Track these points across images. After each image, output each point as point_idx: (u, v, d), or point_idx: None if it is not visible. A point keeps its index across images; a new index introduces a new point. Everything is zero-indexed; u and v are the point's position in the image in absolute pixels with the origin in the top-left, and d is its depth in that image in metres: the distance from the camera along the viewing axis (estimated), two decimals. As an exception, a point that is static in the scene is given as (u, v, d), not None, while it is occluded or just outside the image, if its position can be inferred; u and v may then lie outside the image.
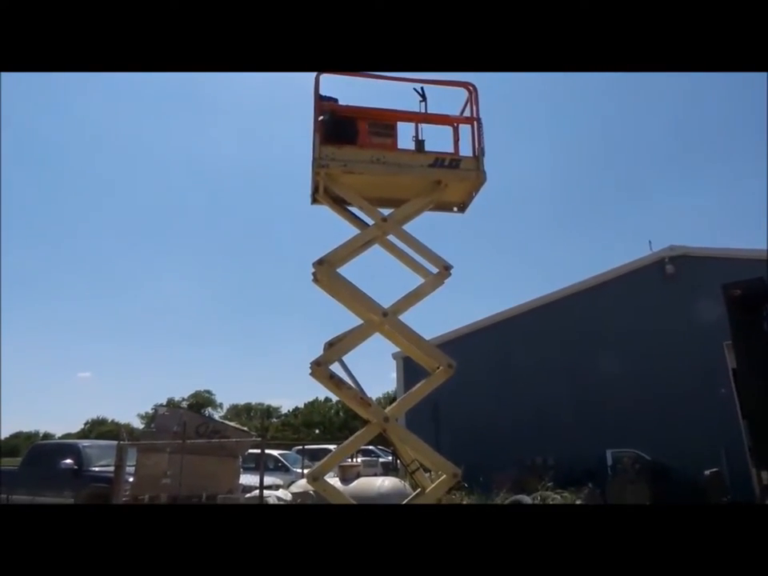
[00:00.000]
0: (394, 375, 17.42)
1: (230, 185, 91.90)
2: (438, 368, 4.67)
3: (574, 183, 79.46)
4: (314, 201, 5.22)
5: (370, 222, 4.99)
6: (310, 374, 4.54)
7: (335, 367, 4.65)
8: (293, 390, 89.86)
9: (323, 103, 4.96)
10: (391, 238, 5.07)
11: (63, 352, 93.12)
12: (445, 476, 4.57)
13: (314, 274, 4.74)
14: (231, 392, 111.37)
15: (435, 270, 4.87)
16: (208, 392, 59.99)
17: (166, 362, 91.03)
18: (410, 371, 15.25)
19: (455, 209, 5.51)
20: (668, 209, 65.13)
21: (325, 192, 5.04)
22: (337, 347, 4.67)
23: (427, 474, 5.38)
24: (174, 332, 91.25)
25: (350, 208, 5.24)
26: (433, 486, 4.64)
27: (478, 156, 5.08)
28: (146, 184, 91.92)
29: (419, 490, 4.75)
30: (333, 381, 4.57)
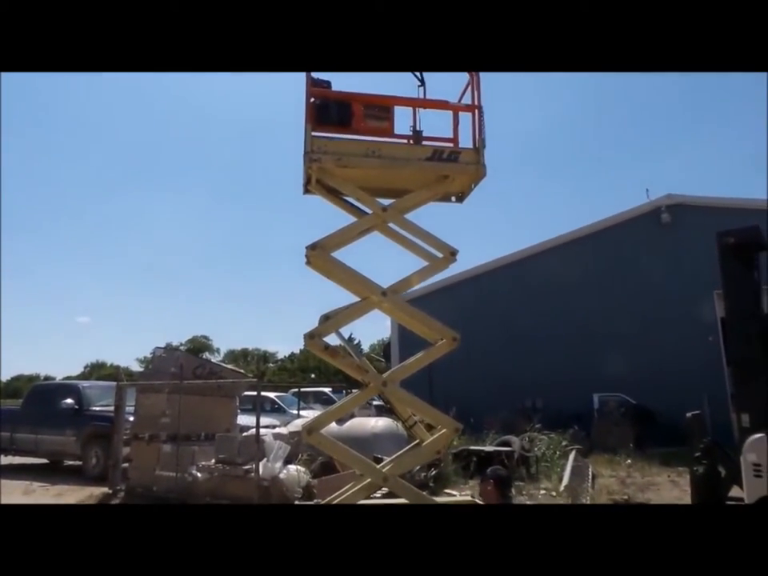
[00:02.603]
0: (388, 323, 17.65)
1: (228, 127, 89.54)
2: (441, 340, 4.70)
3: (571, 131, 77.83)
4: (306, 191, 4.99)
5: (369, 211, 4.83)
6: (305, 346, 4.57)
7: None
8: (289, 336, 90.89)
9: (315, 88, 4.68)
10: (392, 224, 4.89)
11: (61, 296, 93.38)
12: (445, 430, 4.70)
13: (306, 257, 4.64)
14: (228, 337, 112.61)
15: (440, 255, 4.78)
16: (205, 337, 60.68)
17: (164, 308, 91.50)
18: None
19: (453, 198, 5.30)
20: (667, 158, 64.21)
21: (317, 183, 4.82)
22: (332, 321, 4.65)
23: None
24: (171, 278, 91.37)
25: (345, 197, 4.99)
26: (432, 438, 4.76)
27: (479, 148, 4.82)
28: (142, 125, 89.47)
29: (417, 441, 4.87)
30: (328, 352, 4.61)
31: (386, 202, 4.86)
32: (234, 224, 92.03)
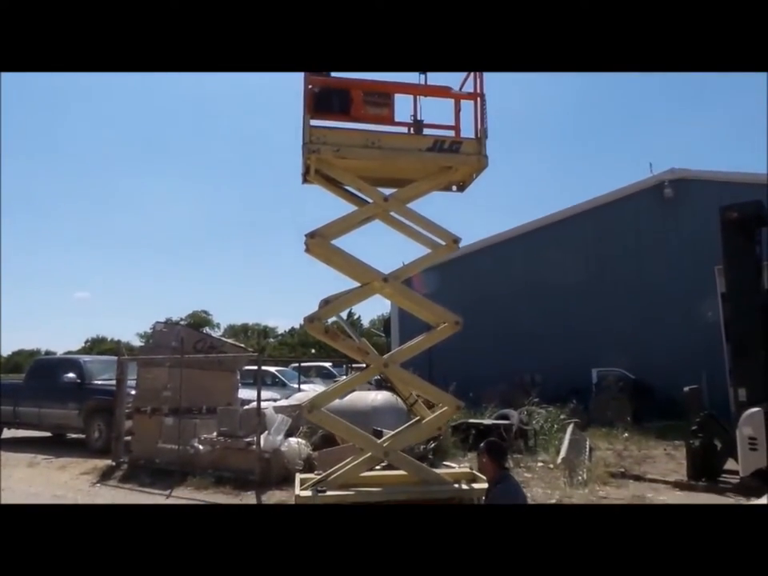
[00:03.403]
0: (389, 297, 17.63)
1: (231, 101, 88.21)
2: (444, 323, 4.68)
3: (574, 106, 76.67)
4: (305, 181, 4.91)
5: (369, 200, 4.76)
6: (305, 329, 4.59)
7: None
8: (289, 311, 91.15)
9: (313, 76, 4.56)
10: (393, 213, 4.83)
11: (59, 272, 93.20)
12: (446, 408, 4.73)
13: (306, 244, 4.59)
14: (228, 313, 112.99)
15: (442, 243, 4.74)
16: (205, 312, 60.76)
17: (163, 283, 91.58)
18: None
19: (454, 188, 5.22)
20: (671, 132, 63.40)
21: (317, 173, 4.73)
22: (332, 305, 4.64)
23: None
24: (170, 253, 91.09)
25: (346, 186, 4.91)
26: (434, 415, 4.81)
27: (481, 138, 4.71)
28: (144, 102, 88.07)
29: (417, 418, 4.90)
30: (328, 335, 4.61)
31: (386, 191, 4.80)
32: (234, 199, 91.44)
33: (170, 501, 7.05)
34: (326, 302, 4.62)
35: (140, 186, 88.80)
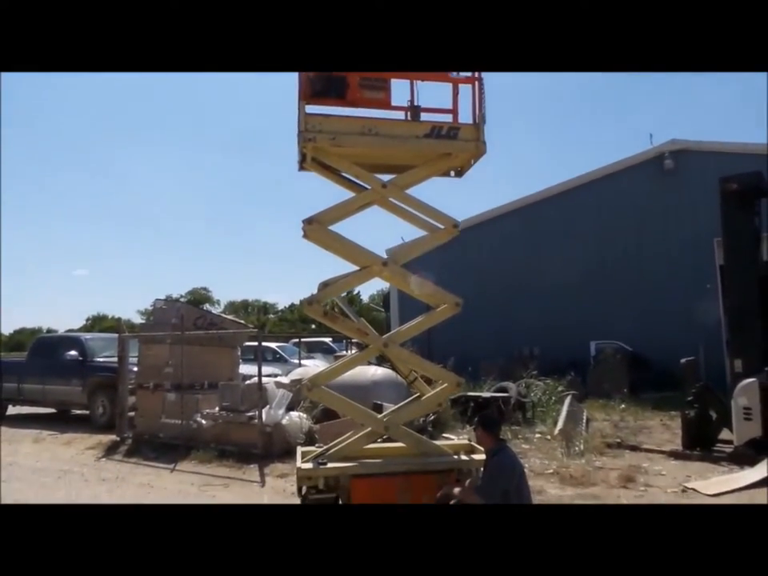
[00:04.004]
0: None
1: (231, 76, 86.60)
2: (444, 305, 4.68)
3: (574, 76, 75.33)
4: (302, 169, 4.84)
5: (368, 186, 4.70)
6: (304, 312, 4.59)
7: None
8: (289, 287, 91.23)
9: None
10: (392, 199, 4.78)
11: (58, 249, 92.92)
12: (446, 384, 4.79)
13: (303, 230, 4.54)
14: (228, 289, 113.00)
15: (442, 227, 4.69)
16: (205, 289, 60.83)
17: (162, 260, 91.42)
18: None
19: (452, 173, 5.12)
20: (671, 103, 62.48)
21: (313, 161, 4.66)
22: (331, 288, 4.64)
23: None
24: (169, 230, 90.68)
25: (343, 173, 4.83)
26: (434, 391, 4.84)
27: (479, 123, 4.61)
28: (139, 73, 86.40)
29: (417, 394, 4.96)
30: (327, 317, 4.61)
31: (385, 177, 4.74)
32: (233, 175, 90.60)
33: (175, 474, 7.18)
34: (324, 285, 4.64)
35: (138, 162, 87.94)
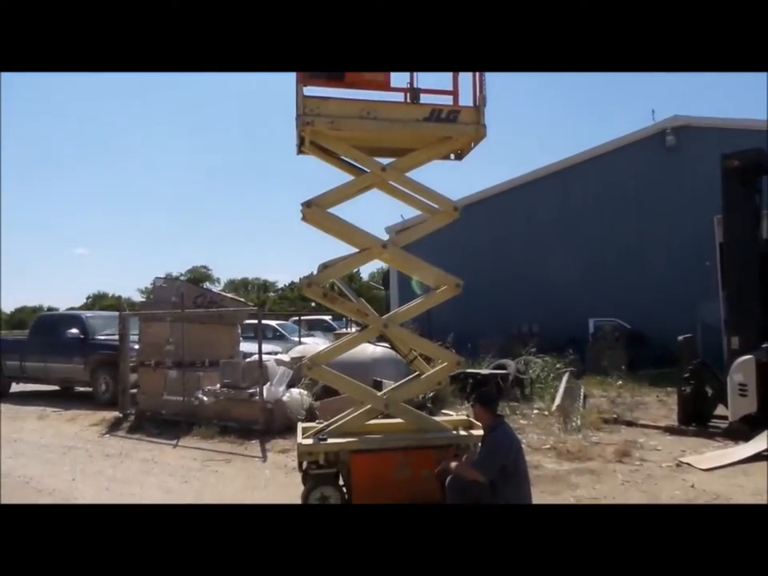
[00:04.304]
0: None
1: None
2: (444, 286, 4.70)
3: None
4: (300, 152, 4.81)
5: (367, 170, 4.68)
6: (303, 293, 4.58)
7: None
8: (289, 265, 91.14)
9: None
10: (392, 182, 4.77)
11: (58, 228, 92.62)
12: (446, 363, 4.82)
13: (302, 213, 4.54)
14: (228, 267, 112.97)
15: (442, 210, 4.70)
16: (205, 267, 60.76)
17: (162, 238, 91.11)
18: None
19: (452, 156, 5.10)
20: (673, 79, 61.52)
21: (311, 144, 4.63)
22: (331, 270, 4.65)
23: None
24: (169, 208, 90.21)
25: (342, 157, 4.81)
26: (434, 370, 4.91)
27: (479, 106, 4.57)
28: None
29: (417, 373, 5.01)
30: (327, 298, 4.63)
31: (384, 161, 4.72)
32: (233, 152, 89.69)
33: (178, 449, 7.29)
34: (324, 267, 4.65)
35: (137, 139, 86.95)
